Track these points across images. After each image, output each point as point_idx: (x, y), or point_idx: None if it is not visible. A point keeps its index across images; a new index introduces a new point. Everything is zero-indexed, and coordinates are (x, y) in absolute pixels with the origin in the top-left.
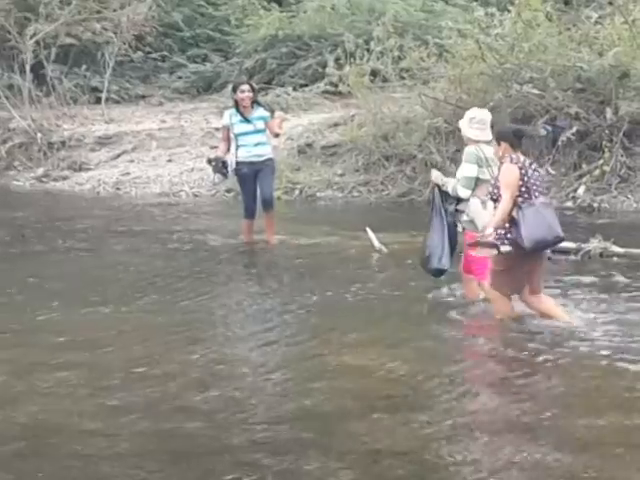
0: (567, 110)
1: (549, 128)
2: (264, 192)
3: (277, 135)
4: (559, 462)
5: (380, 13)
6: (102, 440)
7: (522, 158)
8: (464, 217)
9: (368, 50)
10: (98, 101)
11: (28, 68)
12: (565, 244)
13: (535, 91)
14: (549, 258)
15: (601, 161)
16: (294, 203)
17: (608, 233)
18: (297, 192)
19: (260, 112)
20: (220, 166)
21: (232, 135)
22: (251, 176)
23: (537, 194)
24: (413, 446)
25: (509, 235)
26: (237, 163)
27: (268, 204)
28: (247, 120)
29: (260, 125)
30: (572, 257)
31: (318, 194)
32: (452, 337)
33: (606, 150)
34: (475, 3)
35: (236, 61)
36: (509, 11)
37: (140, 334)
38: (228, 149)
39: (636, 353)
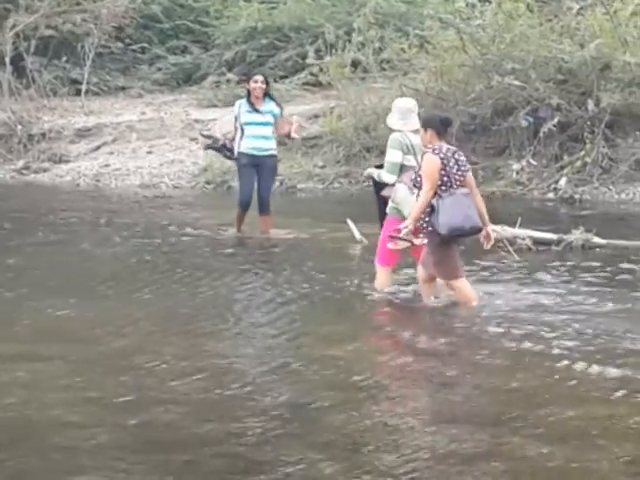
0: (549, 101)
1: (530, 119)
2: (262, 195)
3: (289, 137)
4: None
5: (361, 4)
6: (83, 432)
7: (445, 148)
8: (389, 203)
9: (349, 41)
10: (78, 93)
11: (8, 60)
12: (547, 235)
13: (517, 82)
14: (529, 248)
15: (582, 152)
16: (274, 195)
17: (590, 224)
18: (277, 184)
19: (271, 106)
20: (214, 144)
21: (238, 124)
22: (251, 168)
23: (458, 184)
24: (394, 438)
25: (426, 223)
26: (239, 153)
27: (264, 208)
28: (256, 110)
29: (268, 118)
30: (554, 248)
31: (299, 186)
32: (436, 329)
33: (588, 141)
34: None
35: (216, 53)
36: (490, 2)
37: (119, 326)
38: (234, 138)
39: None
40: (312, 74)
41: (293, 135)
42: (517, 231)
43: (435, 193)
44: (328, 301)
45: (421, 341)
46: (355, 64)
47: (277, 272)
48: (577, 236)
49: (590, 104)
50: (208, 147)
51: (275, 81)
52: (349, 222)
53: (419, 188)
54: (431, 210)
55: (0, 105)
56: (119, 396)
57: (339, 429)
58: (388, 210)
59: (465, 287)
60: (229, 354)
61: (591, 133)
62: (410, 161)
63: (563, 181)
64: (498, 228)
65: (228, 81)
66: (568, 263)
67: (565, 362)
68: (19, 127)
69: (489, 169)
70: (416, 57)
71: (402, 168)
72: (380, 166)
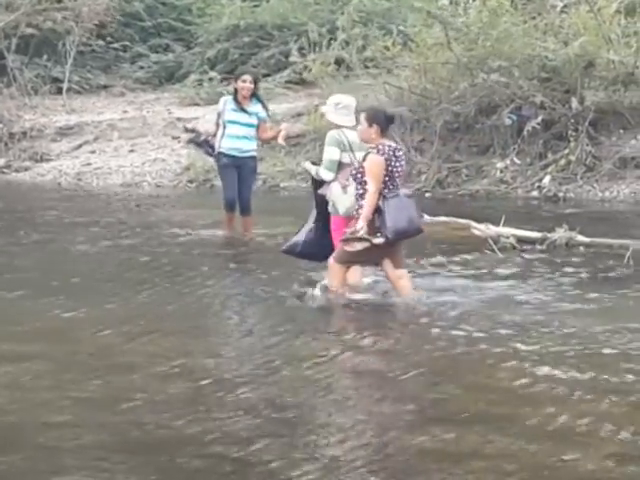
0: (532, 99)
1: (514, 117)
2: (242, 197)
3: (270, 141)
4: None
5: (344, 2)
6: (65, 432)
7: (387, 147)
8: (329, 202)
9: (332, 39)
10: (59, 91)
11: None
12: (531, 234)
13: (502, 79)
14: (513, 247)
15: (567, 150)
16: (257, 194)
17: (574, 222)
18: (260, 182)
19: (257, 108)
20: (196, 139)
21: (221, 121)
22: (232, 168)
23: (400, 181)
24: (381, 436)
25: (375, 224)
26: (219, 153)
27: (245, 210)
28: (243, 110)
29: (254, 120)
30: (538, 247)
31: (282, 184)
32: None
33: (572, 139)
34: None
35: (198, 51)
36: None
37: (102, 325)
38: (215, 134)
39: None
40: (295, 72)
41: (280, 142)
42: (501, 230)
43: (379, 194)
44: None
45: (377, 339)
46: (339, 62)
47: (249, 273)
48: (561, 234)
49: (574, 102)
50: (190, 141)
51: None
52: None
53: (359, 183)
54: (376, 211)
55: None
56: (102, 396)
57: (324, 428)
58: (330, 209)
59: (339, 274)
60: (216, 354)
61: (575, 131)
62: (346, 158)
63: (547, 179)
64: (482, 227)
65: (210, 79)
66: (555, 260)
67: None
68: (0, 125)
69: (473, 167)
70: (400, 55)
71: (339, 165)
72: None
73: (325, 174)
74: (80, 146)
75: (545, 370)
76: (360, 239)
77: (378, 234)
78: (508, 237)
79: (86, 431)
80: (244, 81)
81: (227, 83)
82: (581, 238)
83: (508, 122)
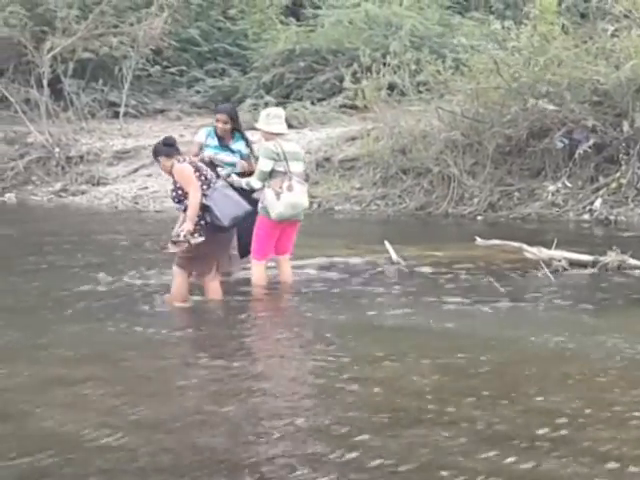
0: (584, 123)
1: (566, 141)
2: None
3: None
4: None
5: (397, 27)
6: (123, 455)
7: (187, 158)
8: (259, 204)
9: (385, 64)
10: (116, 115)
11: (45, 83)
12: (582, 257)
13: (551, 107)
14: (565, 269)
15: (618, 174)
16: (312, 216)
17: (625, 246)
18: (315, 206)
19: (239, 145)
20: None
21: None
22: None
23: (214, 181)
24: (424, 459)
25: (204, 222)
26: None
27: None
28: (223, 147)
29: (236, 158)
30: (590, 270)
31: (336, 207)
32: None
33: (623, 163)
34: (492, 16)
35: (254, 75)
36: (525, 24)
37: (156, 348)
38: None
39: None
40: (349, 99)
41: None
42: (553, 253)
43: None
44: (359, 321)
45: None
46: (392, 87)
47: (314, 299)
48: (613, 258)
49: (625, 125)
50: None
51: (313, 103)
52: (386, 244)
53: (179, 202)
54: (203, 210)
55: (38, 128)
56: (158, 418)
57: (372, 451)
58: (259, 210)
59: (182, 285)
60: (267, 375)
61: (626, 154)
62: (282, 167)
63: (598, 203)
64: (534, 250)
65: (266, 104)
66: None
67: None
68: (57, 150)
69: (525, 191)
70: (452, 79)
71: (273, 174)
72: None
73: (255, 183)
74: (136, 170)
75: None
76: (183, 241)
77: (196, 234)
78: (560, 260)
79: (143, 454)
80: (217, 120)
81: (282, 107)
82: (632, 261)
83: (560, 145)
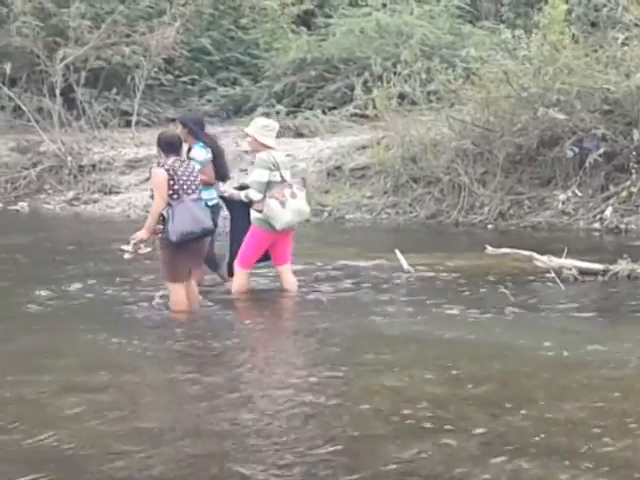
0: (594, 132)
1: (576, 150)
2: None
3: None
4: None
5: (408, 36)
6: (135, 463)
7: (170, 160)
8: (257, 215)
9: (396, 73)
10: (128, 124)
11: (58, 92)
12: (593, 266)
13: (561, 116)
14: (575, 278)
15: (628, 182)
16: (323, 225)
17: (636, 255)
18: (326, 214)
19: (195, 152)
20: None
21: None
22: None
23: (189, 191)
24: (434, 467)
25: (160, 231)
26: None
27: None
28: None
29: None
30: (600, 278)
31: (347, 216)
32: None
33: (633, 171)
34: (502, 25)
35: (265, 84)
36: (535, 34)
37: (165, 357)
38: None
39: None
40: (359, 108)
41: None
42: (564, 261)
43: (167, 204)
44: (369, 330)
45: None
46: (402, 96)
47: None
48: (623, 266)
49: (636, 134)
50: None
51: (324, 112)
52: (397, 252)
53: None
54: (163, 219)
55: (51, 136)
56: (172, 427)
57: (391, 459)
58: (252, 220)
59: (179, 293)
60: (283, 384)
61: (637, 163)
62: (276, 177)
63: (609, 211)
64: (545, 258)
65: (277, 113)
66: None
67: None
68: (69, 158)
69: (535, 199)
70: (462, 88)
71: (271, 184)
72: (240, 187)
73: (254, 195)
74: (149, 179)
75: None
76: (132, 251)
77: (142, 245)
78: (570, 269)
79: (156, 462)
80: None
81: (294, 116)
82: None
83: (570, 154)
